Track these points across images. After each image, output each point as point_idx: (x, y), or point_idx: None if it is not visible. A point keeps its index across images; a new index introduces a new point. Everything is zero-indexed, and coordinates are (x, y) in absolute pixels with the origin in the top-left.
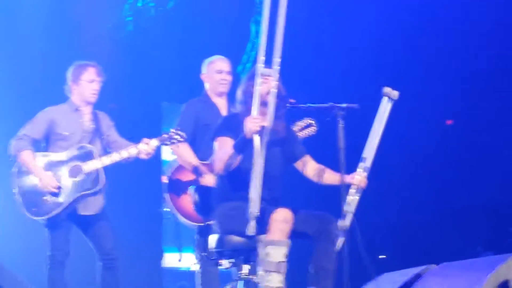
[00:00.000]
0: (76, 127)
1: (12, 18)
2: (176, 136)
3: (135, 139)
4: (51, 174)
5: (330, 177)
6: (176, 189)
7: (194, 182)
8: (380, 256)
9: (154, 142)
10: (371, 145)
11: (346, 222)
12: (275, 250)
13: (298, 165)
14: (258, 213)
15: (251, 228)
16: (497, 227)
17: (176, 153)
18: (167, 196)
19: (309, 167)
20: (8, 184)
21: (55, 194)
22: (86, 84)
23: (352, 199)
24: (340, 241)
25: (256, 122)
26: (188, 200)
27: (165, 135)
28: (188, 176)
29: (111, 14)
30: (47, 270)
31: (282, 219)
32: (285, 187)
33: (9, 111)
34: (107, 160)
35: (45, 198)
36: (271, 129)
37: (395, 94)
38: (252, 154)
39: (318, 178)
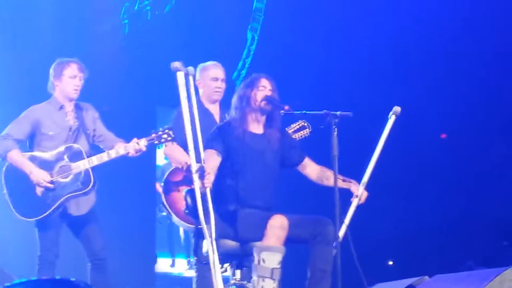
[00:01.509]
0: (61, 126)
1: (11, 20)
2: (164, 135)
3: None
4: (43, 170)
5: (332, 180)
6: (172, 191)
7: (189, 184)
8: (389, 262)
9: (143, 142)
10: (371, 163)
11: (340, 233)
12: (270, 256)
13: (299, 168)
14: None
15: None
16: (489, 242)
17: (168, 154)
18: (163, 199)
19: (311, 169)
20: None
21: (48, 191)
22: (69, 80)
23: (351, 212)
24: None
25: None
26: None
27: (154, 134)
28: (182, 180)
29: (108, 17)
30: (37, 270)
31: (279, 226)
32: (278, 193)
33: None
34: (96, 160)
35: (35, 199)
36: (266, 138)
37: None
38: (244, 158)
39: (321, 180)
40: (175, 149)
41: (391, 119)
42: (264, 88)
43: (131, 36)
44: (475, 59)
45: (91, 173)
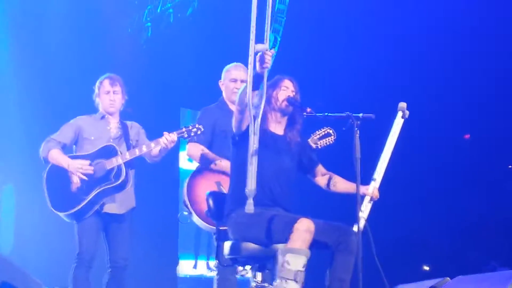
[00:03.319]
0: (102, 132)
1: (37, 25)
2: (194, 129)
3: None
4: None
5: (342, 185)
6: (195, 192)
7: (211, 186)
8: (424, 267)
9: (173, 136)
10: (384, 162)
11: (359, 226)
12: (295, 259)
13: (310, 175)
14: (255, 191)
15: (249, 205)
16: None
17: (192, 155)
18: (186, 198)
19: (321, 177)
20: (25, 190)
21: (82, 185)
22: (104, 96)
23: (365, 207)
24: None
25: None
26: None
27: (184, 128)
28: (206, 180)
29: (131, 19)
30: (73, 268)
31: (305, 229)
32: (299, 196)
33: (33, 115)
34: (129, 155)
35: (69, 194)
36: (285, 140)
37: (407, 112)
38: (264, 160)
39: (330, 187)
40: (198, 149)
41: (398, 115)
42: (287, 88)
43: (154, 39)
44: (492, 60)
45: (123, 167)
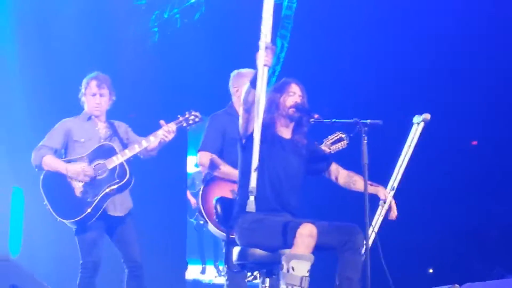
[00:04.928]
0: (92, 134)
1: (45, 28)
2: (191, 117)
3: (161, 151)
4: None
5: (361, 185)
6: (209, 200)
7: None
8: (430, 270)
9: (171, 126)
10: (400, 170)
11: (369, 240)
12: (299, 265)
13: (326, 175)
14: (255, 190)
15: (250, 203)
16: None
17: (202, 164)
18: (201, 207)
19: (338, 175)
20: (32, 191)
21: (86, 189)
22: (90, 98)
23: (379, 219)
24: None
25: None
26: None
27: (181, 117)
28: (220, 189)
29: (138, 24)
30: (79, 278)
31: (308, 234)
32: (304, 199)
33: (41, 117)
34: (129, 152)
35: (74, 200)
36: (293, 144)
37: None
38: (273, 165)
39: (349, 185)
40: (208, 157)
41: (420, 126)
42: (294, 94)
43: (161, 44)
44: (502, 62)
45: (125, 165)
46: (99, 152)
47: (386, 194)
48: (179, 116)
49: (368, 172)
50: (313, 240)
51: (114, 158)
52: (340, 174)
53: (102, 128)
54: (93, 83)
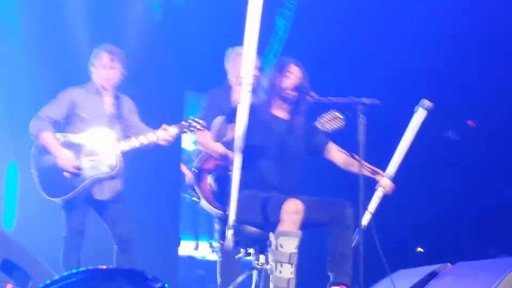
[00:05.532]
0: (96, 109)
1: (41, 7)
2: (195, 124)
3: (158, 127)
4: (71, 154)
5: (358, 167)
6: (204, 178)
7: (219, 170)
8: (418, 249)
9: (173, 130)
10: (399, 157)
11: (364, 221)
12: (287, 241)
13: (325, 154)
14: (235, 224)
15: (228, 241)
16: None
17: (200, 142)
18: (195, 185)
19: (337, 154)
20: (27, 164)
21: (74, 175)
22: (101, 70)
23: (376, 200)
24: (356, 239)
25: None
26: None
27: (185, 123)
28: (214, 166)
29: (140, 3)
30: (62, 251)
31: (293, 210)
32: (302, 179)
33: (40, 89)
34: (126, 146)
35: (62, 179)
36: (291, 124)
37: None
38: (266, 141)
39: (347, 167)
40: (207, 137)
41: (422, 113)
42: (291, 74)
43: (163, 22)
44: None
45: (118, 158)
46: (97, 137)
47: (385, 181)
48: (183, 121)
49: (366, 153)
50: (299, 216)
51: (109, 147)
52: (339, 155)
53: (108, 104)
54: (106, 56)
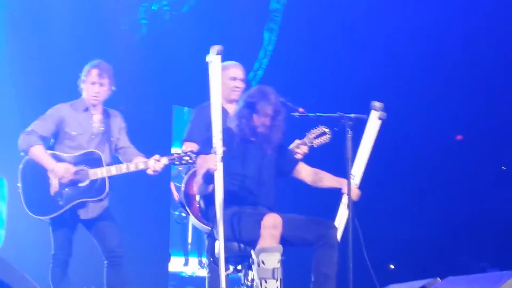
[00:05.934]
0: (85, 128)
1: (29, 20)
2: (186, 157)
3: (146, 142)
4: (66, 163)
5: (328, 182)
6: (193, 195)
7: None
8: (390, 266)
9: (163, 161)
10: (361, 162)
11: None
12: (269, 257)
13: (294, 174)
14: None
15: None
16: (503, 243)
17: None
18: (183, 201)
19: (305, 173)
20: (16, 181)
21: (61, 191)
22: (89, 86)
23: (342, 213)
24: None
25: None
26: None
27: (176, 155)
28: None
29: (126, 16)
30: (50, 268)
31: (271, 225)
32: (281, 193)
33: (27, 106)
34: (114, 170)
35: (48, 197)
36: (266, 136)
37: (383, 114)
38: (246, 160)
39: (317, 183)
40: (194, 149)
41: (374, 117)
42: (267, 114)
43: (149, 36)
44: (487, 58)
45: (107, 182)
46: (86, 159)
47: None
48: (174, 153)
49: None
50: (278, 231)
51: (98, 171)
52: (307, 173)
53: (96, 121)
54: (94, 72)
